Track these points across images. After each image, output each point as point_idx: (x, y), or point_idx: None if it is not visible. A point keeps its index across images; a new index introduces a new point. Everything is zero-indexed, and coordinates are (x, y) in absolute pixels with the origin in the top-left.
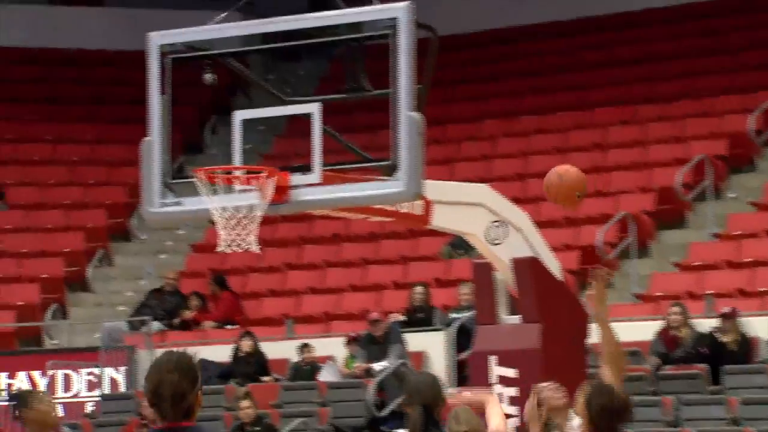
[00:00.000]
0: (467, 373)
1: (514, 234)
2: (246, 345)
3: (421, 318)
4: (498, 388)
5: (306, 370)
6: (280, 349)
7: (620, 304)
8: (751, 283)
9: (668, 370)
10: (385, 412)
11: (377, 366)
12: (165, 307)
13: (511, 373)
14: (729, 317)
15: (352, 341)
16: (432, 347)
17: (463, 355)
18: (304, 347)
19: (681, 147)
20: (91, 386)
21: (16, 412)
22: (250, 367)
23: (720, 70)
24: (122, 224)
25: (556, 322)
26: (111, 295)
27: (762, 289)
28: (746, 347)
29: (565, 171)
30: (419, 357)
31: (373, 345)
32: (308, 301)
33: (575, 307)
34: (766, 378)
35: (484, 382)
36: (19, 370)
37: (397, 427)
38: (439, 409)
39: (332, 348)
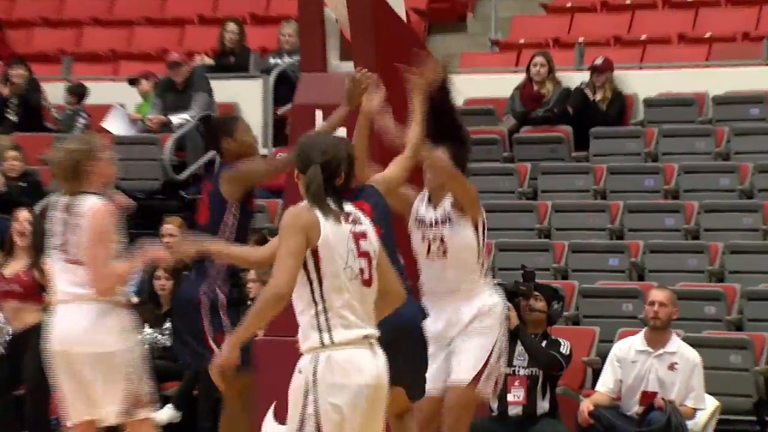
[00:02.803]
0: (287, 130)
1: None
2: (16, 76)
3: (232, 62)
4: None
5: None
6: (54, 93)
7: (475, 53)
8: (628, 29)
9: (526, 132)
10: (184, 175)
11: (176, 119)
12: None
13: (343, 132)
14: (601, 70)
15: (139, 81)
16: (245, 98)
17: (283, 109)
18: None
19: None
20: None
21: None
22: (20, 109)
23: None
24: None
25: (396, 71)
26: None
27: (642, 37)
28: (620, 106)
29: None
30: (230, 109)
31: (171, 93)
32: (91, 35)
33: (419, 53)
34: (640, 143)
35: None
36: None
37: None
38: (346, 173)
39: (120, 93)
